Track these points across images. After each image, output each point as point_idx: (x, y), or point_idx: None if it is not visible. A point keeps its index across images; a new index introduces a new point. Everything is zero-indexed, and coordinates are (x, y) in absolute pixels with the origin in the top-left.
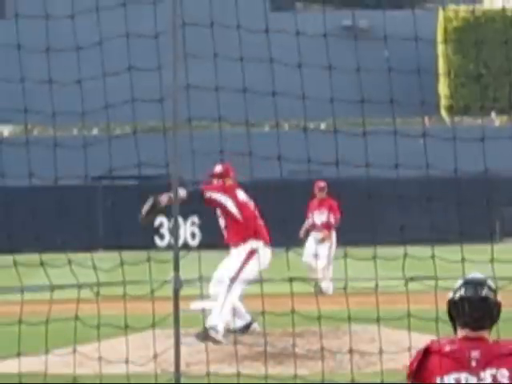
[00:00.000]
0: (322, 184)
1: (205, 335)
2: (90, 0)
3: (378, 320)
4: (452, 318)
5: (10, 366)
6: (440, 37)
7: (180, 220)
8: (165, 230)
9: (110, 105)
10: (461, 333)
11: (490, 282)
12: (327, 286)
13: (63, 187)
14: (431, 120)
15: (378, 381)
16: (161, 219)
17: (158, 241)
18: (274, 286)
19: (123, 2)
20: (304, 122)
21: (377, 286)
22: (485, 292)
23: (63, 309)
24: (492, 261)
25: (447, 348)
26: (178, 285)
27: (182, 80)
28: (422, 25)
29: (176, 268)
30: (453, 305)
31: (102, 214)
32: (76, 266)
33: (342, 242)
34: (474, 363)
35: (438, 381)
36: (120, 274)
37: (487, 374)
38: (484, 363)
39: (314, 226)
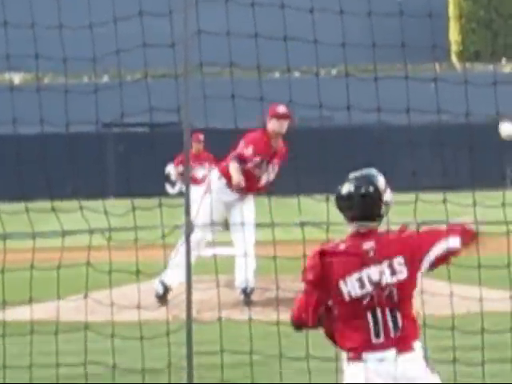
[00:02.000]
0: (200, 136)
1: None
2: None
3: None
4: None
5: (22, 313)
6: None
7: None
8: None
9: (120, 50)
10: (351, 228)
11: (375, 178)
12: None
13: (74, 134)
14: (442, 66)
15: None
16: (172, 166)
17: (169, 188)
18: (285, 231)
19: None
20: (316, 68)
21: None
22: (364, 189)
23: (75, 256)
24: (504, 205)
25: (341, 247)
26: (189, 229)
27: (194, 25)
28: None
29: (187, 212)
30: (336, 200)
31: (114, 161)
32: (87, 211)
33: None
34: (371, 253)
35: (342, 285)
36: (131, 219)
37: (384, 266)
38: (379, 253)
39: (194, 180)
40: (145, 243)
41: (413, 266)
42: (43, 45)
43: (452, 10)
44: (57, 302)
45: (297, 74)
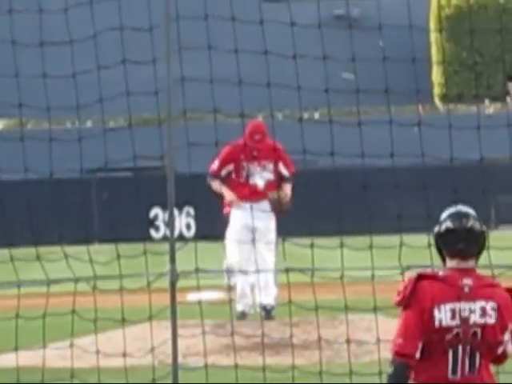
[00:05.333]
0: None
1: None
2: None
3: (374, 309)
4: (440, 250)
5: (7, 361)
6: (433, 25)
7: (175, 211)
8: (160, 222)
9: (104, 98)
10: (451, 264)
11: (474, 213)
12: None
13: (58, 181)
14: (425, 108)
15: (376, 369)
16: (156, 211)
17: (153, 233)
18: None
19: None
20: (300, 113)
21: (373, 275)
22: (470, 223)
23: (60, 302)
24: (488, 248)
25: (440, 274)
26: (174, 277)
27: (177, 72)
28: (414, 13)
29: (172, 260)
30: (439, 237)
31: (98, 207)
32: (72, 259)
33: (338, 231)
34: (466, 289)
35: (436, 311)
36: (116, 266)
37: (477, 306)
38: (475, 291)
39: None
40: (130, 290)
41: (502, 319)
42: (27, 92)
43: (435, 54)
44: (42, 349)
45: (280, 118)
